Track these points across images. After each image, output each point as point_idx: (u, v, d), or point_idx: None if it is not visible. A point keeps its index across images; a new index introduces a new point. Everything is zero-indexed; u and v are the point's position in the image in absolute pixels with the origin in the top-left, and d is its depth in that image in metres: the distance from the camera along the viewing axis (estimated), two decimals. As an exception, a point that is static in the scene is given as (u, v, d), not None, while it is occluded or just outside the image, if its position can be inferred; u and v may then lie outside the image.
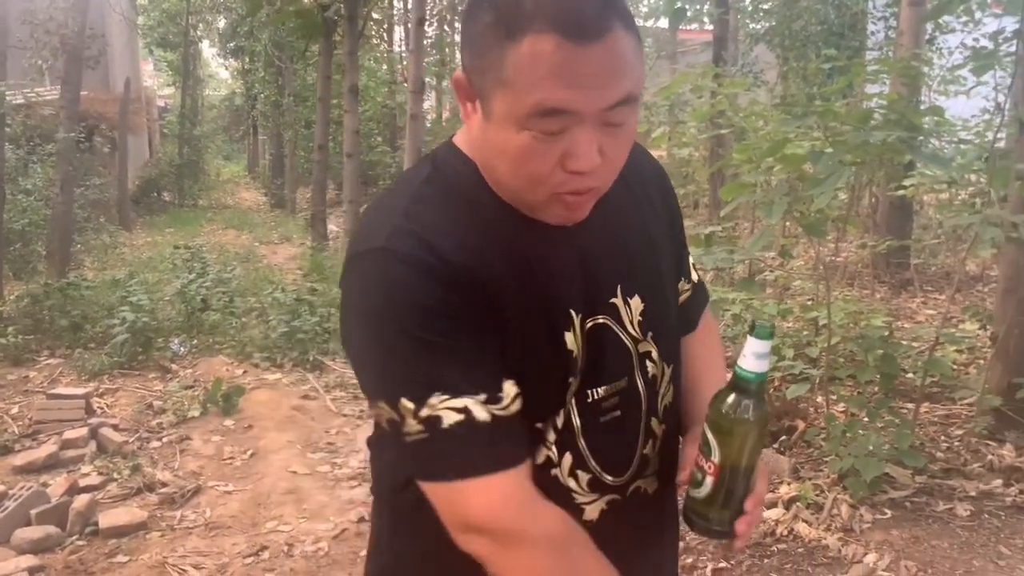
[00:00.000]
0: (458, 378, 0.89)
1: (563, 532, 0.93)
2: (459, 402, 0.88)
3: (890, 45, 9.98)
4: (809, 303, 5.52)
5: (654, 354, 1.06)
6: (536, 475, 0.95)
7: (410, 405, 0.88)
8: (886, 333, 4.38)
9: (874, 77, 5.32)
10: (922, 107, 7.93)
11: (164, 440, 4.55)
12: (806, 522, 3.38)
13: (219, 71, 35.82)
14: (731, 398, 0.93)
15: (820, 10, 11.05)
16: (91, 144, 12.02)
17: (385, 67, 18.63)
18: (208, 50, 29.04)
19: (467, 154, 0.99)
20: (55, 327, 6.28)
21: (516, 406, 0.91)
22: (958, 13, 7.30)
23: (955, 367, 5.08)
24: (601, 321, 1.01)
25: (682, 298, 1.20)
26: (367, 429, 4.71)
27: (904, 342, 4.78)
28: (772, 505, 3.54)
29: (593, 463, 1.02)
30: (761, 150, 3.85)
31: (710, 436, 0.95)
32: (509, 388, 0.91)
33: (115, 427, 4.58)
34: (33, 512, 3.48)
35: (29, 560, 3.21)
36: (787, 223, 6.31)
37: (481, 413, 0.88)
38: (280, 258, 11.22)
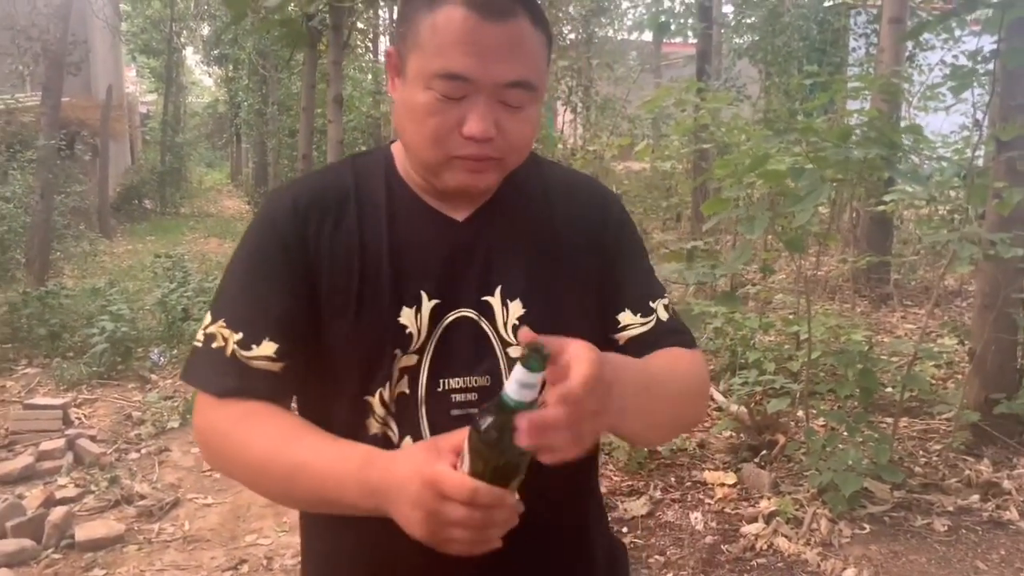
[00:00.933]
0: (237, 313, 1.02)
1: (250, 409, 1.00)
2: (226, 332, 1.01)
3: (871, 62, 10.10)
4: (791, 316, 5.55)
5: None
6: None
7: (207, 319, 1.04)
8: (866, 348, 4.42)
9: (855, 94, 5.38)
10: (902, 123, 8.04)
11: (142, 451, 4.51)
12: (786, 536, 3.40)
13: (203, 78, 35.66)
14: (489, 418, 0.82)
15: (802, 26, 11.17)
16: (72, 151, 11.92)
17: (370, 77, 18.62)
18: (192, 57, 28.99)
19: (392, 150, 1.11)
20: (33, 336, 6.21)
21: (261, 363, 1.00)
22: (937, 31, 7.41)
23: (933, 382, 5.13)
24: (464, 314, 1.03)
25: (628, 333, 1.11)
26: (348, 441, 4.71)
27: (883, 357, 4.82)
28: (752, 520, 3.55)
29: None
30: (743, 165, 3.88)
31: (464, 445, 0.85)
32: (266, 346, 1.01)
33: (93, 438, 4.53)
34: (8, 525, 3.44)
35: (4, 574, 3.17)
36: (769, 237, 6.35)
37: (230, 347, 1.01)
38: (262, 267, 11.17)
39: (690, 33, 11.43)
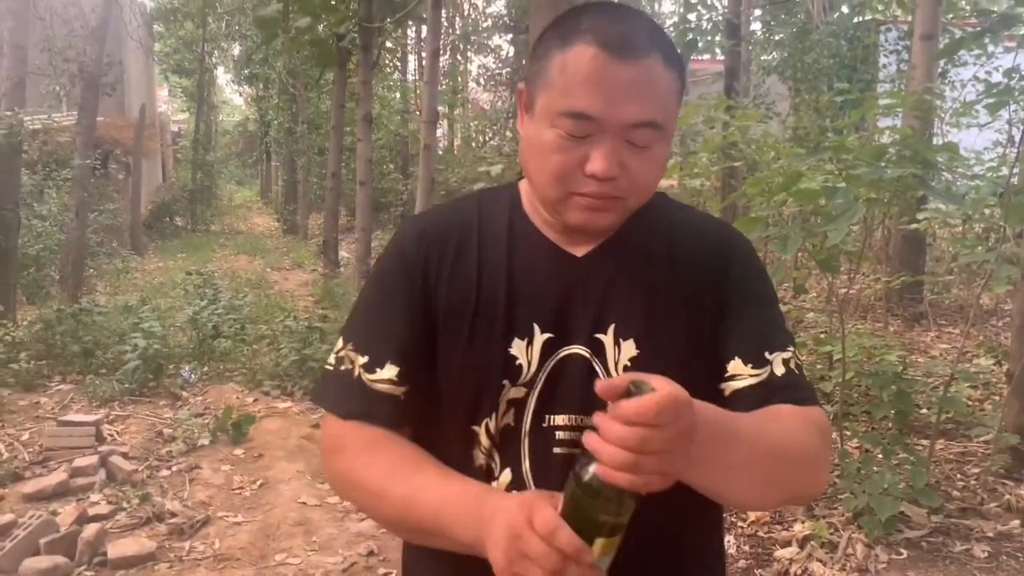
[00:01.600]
0: (363, 338, 1.07)
1: (374, 436, 1.03)
2: (353, 355, 1.06)
3: (902, 78, 10.01)
4: (823, 336, 5.49)
5: None
6: (471, 476, 1.00)
7: (338, 343, 1.09)
8: (900, 369, 4.35)
9: (887, 111, 5.33)
10: (934, 139, 7.95)
11: (173, 469, 4.54)
12: (820, 561, 3.34)
13: (233, 97, 36.20)
14: (587, 463, 0.78)
15: (832, 43, 11.10)
16: (106, 170, 12.12)
17: (398, 96, 18.78)
18: (223, 76, 29.39)
19: (519, 187, 1.13)
20: (67, 353, 6.29)
21: (384, 386, 1.03)
22: (971, 48, 7.32)
23: (970, 403, 5.03)
24: (576, 351, 1.02)
25: (735, 384, 1.04)
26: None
27: (918, 377, 4.75)
28: (786, 544, 3.50)
29: (533, 489, 0.99)
30: (775, 183, 3.85)
31: (563, 501, 0.81)
32: (389, 370, 1.04)
33: (125, 455, 4.57)
34: (42, 541, 3.46)
35: (37, 591, 3.19)
36: (800, 255, 6.30)
37: (356, 370, 1.05)
38: (292, 284, 11.26)
39: (718, 50, 11.41)
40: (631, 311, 1.03)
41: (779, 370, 1.05)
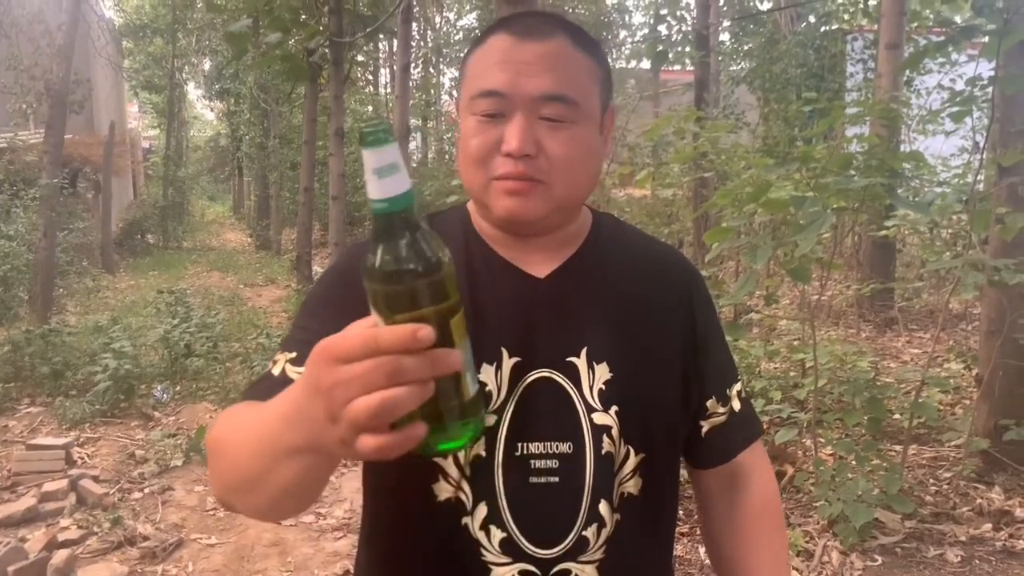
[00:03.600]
0: (294, 340, 0.99)
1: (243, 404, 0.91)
2: (281, 356, 0.98)
3: (869, 87, 10.15)
4: (796, 343, 5.53)
5: (614, 431, 0.98)
6: (440, 517, 0.96)
7: (277, 356, 1.00)
8: (872, 375, 4.39)
9: (855, 120, 5.40)
10: (901, 146, 8.05)
11: (146, 491, 4.48)
12: (797, 570, 3.35)
13: (204, 112, 35.99)
14: (374, 252, 0.64)
15: (799, 53, 11.24)
16: (75, 188, 11.98)
17: (371, 109, 18.75)
18: (193, 92, 29.24)
19: (467, 207, 1.10)
20: (36, 375, 6.20)
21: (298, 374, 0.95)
22: (935, 57, 7.44)
23: (941, 407, 5.09)
24: (546, 374, 0.98)
25: (711, 422, 1.12)
26: (351, 478, 4.66)
27: (890, 381, 4.79)
28: (762, 553, 3.50)
29: (511, 523, 0.95)
30: (744, 194, 3.88)
31: (374, 315, 0.65)
32: None
33: (95, 478, 4.50)
34: (10, 569, 3.40)
35: (5, 620, 3.13)
36: (771, 263, 6.35)
37: (280, 366, 0.97)
38: (265, 300, 11.17)
39: (688, 61, 11.50)
40: (603, 333, 1.01)
41: (736, 405, 1.14)
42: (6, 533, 3.87)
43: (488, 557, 0.95)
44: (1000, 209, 3.87)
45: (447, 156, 17.69)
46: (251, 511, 0.86)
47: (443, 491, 0.96)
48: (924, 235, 7.78)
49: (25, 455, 4.64)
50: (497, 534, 0.95)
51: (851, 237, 8.67)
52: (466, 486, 0.96)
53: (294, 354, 0.97)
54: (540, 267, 1.03)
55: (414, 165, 16.55)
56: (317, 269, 12.25)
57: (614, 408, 0.98)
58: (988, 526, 3.66)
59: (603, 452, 0.97)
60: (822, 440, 4.22)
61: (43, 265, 8.14)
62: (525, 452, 0.96)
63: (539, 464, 0.96)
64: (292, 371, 0.96)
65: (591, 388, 0.98)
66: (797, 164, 3.62)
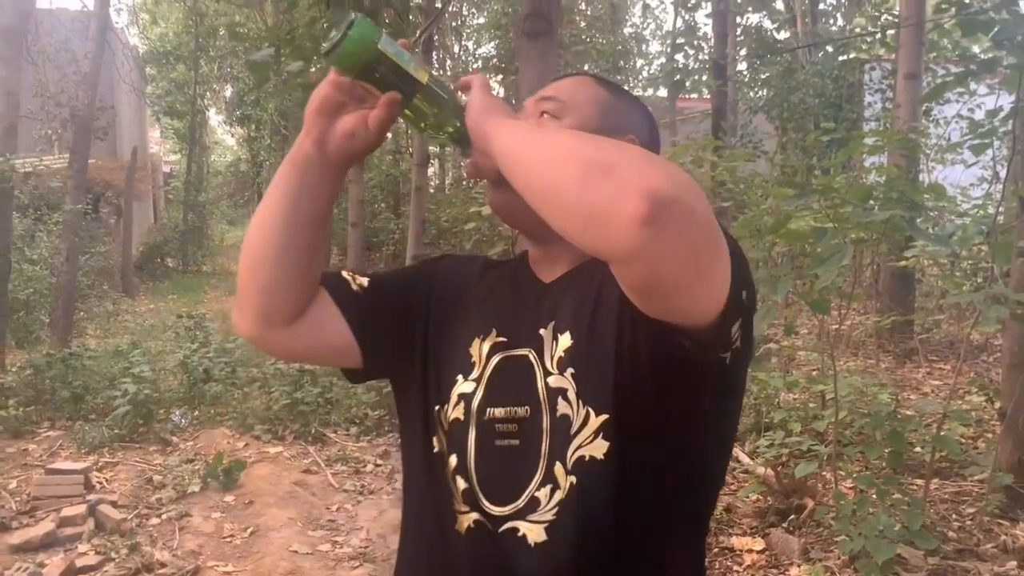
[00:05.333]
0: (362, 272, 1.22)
1: None
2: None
3: (887, 117, 10.13)
4: (814, 373, 5.49)
5: (570, 392, 1.01)
6: (434, 466, 1.09)
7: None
8: (892, 408, 4.34)
9: (873, 151, 5.39)
10: (920, 176, 8.02)
11: (163, 517, 4.48)
12: (818, 606, 3.31)
13: (225, 138, 36.30)
14: (331, 35, 0.98)
15: (817, 83, 11.25)
16: (97, 213, 12.13)
17: (390, 136, 18.88)
18: (215, 118, 29.53)
19: None
20: (56, 398, 6.24)
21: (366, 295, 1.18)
22: (954, 88, 7.42)
23: (963, 440, 5.03)
24: (521, 352, 1.08)
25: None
26: (368, 506, 4.66)
27: (911, 413, 4.75)
28: (783, 588, 3.47)
29: (474, 477, 1.05)
30: (764, 225, 3.87)
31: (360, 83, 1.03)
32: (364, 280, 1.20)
33: (114, 504, 4.52)
34: (28, 595, 3.41)
35: (23, 647, 3.13)
36: (790, 293, 6.31)
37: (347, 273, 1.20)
38: (283, 325, 11.20)
39: (704, 89, 11.54)
40: (572, 312, 1.06)
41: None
42: (24, 558, 3.88)
43: (456, 505, 1.06)
44: (1022, 243, 3.84)
45: (464, 183, 17.77)
46: (268, 287, 1.12)
47: (436, 443, 1.10)
48: (944, 265, 7.73)
49: (44, 479, 4.66)
50: (461, 484, 1.06)
51: (870, 266, 8.62)
52: (446, 441, 1.09)
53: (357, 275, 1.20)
54: (550, 275, 1.14)
55: (431, 191, 16.63)
56: (335, 294, 12.29)
57: (570, 370, 1.02)
58: (1013, 563, 3.60)
59: (558, 414, 1.02)
60: (842, 473, 4.18)
61: (65, 289, 8.22)
62: (492, 416, 1.06)
63: (501, 428, 1.05)
64: (348, 275, 1.18)
65: (552, 356, 1.05)
66: (817, 195, 3.61)
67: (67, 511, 4.29)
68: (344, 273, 1.18)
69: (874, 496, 3.72)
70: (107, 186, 13.64)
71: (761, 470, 4.40)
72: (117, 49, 13.35)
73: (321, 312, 1.14)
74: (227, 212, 30.73)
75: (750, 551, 3.79)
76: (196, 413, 6.32)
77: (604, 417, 0.98)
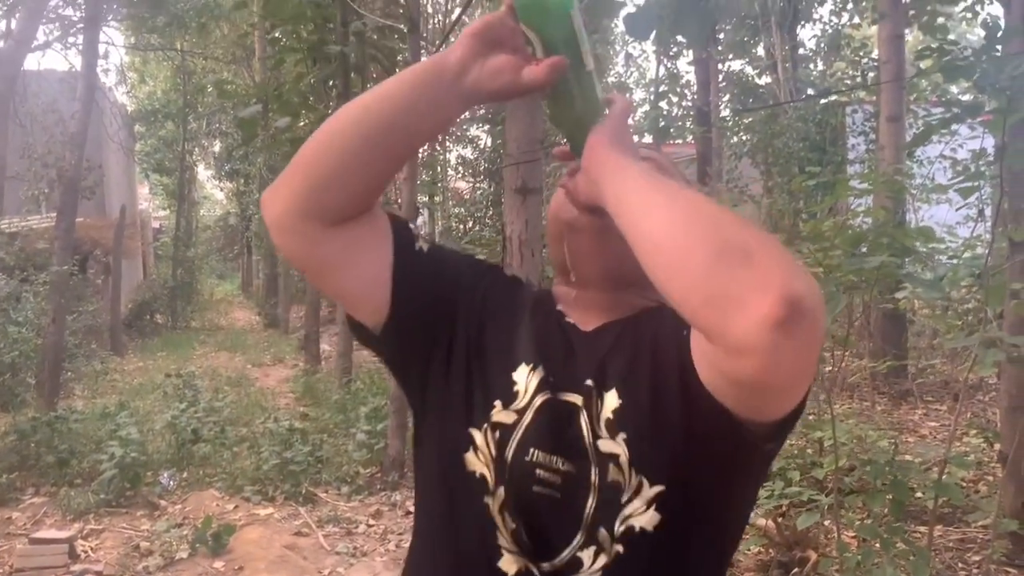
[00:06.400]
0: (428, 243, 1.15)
1: None
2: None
3: (872, 159, 10.24)
4: (811, 418, 5.43)
5: (622, 458, 0.97)
6: (467, 489, 1.00)
7: None
8: (892, 455, 4.28)
9: (859, 193, 5.42)
10: (907, 215, 8.05)
11: (150, 586, 4.36)
12: (826, 665, 3.21)
13: (214, 192, 36.47)
14: None
15: (800, 127, 11.37)
16: (84, 273, 12.07)
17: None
18: (203, 172, 29.70)
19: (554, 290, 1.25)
20: (41, 463, 6.12)
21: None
22: (938, 132, 7.51)
23: (963, 484, 4.96)
24: (569, 398, 1.01)
25: None
26: (361, 569, 4.55)
27: (910, 458, 4.68)
28: (789, 646, 3.37)
29: (520, 519, 0.99)
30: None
31: (527, 32, 0.99)
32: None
33: (99, 573, 4.40)
34: (9, 675, 3.29)
35: None
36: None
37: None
38: (273, 381, 11.10)
39: (689, 136, 11.64)
40: (623, 372, 1.02)
41: None
42: (6, 634, 3.76)
43: (501, 541, 0.98)
44: (1015, 285, 3.83)
45: (454, 232, 17.81)
46: (327, 176, 1.00)
47: (472, 464, 1.00)
48: (935, 305, 7.74)
49: (28, 550, 4.54)
50: (510, 523, 0.98)
51: (862, 308, 8.63)
52: (492, 467, 1.00)
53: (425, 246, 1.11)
54: (585, 323, 1.10)
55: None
56: (325, 347, 12.22)
57: (622, 435, 0.98)
58: (1022, 613, 3.52)
59: (608, 479, 0.97)
60: (844, 523, 4.10)
61: (51, 350, 8.12)
62: (534, 459, 0.99)
63: (542, 474, 0.99)
64: (415, 230, 1.13)
65: (599, 415, 1.00)
66: (806, 245, 3.61)
67: (51, 583, 4.17)
68: (412, 226, 1.12)
69: (878, 546, 3.64)
70: (95, 244, 13.59)
71: (762, 521, 4.32)
72: (105, 108, 13.42)
73: (368, 235, 1.05)
74: (216, 266, 30.73)
75: (754, 607, 3.70)
76: (184, 475, 6.21)
77: (659, 489, 0.96)
